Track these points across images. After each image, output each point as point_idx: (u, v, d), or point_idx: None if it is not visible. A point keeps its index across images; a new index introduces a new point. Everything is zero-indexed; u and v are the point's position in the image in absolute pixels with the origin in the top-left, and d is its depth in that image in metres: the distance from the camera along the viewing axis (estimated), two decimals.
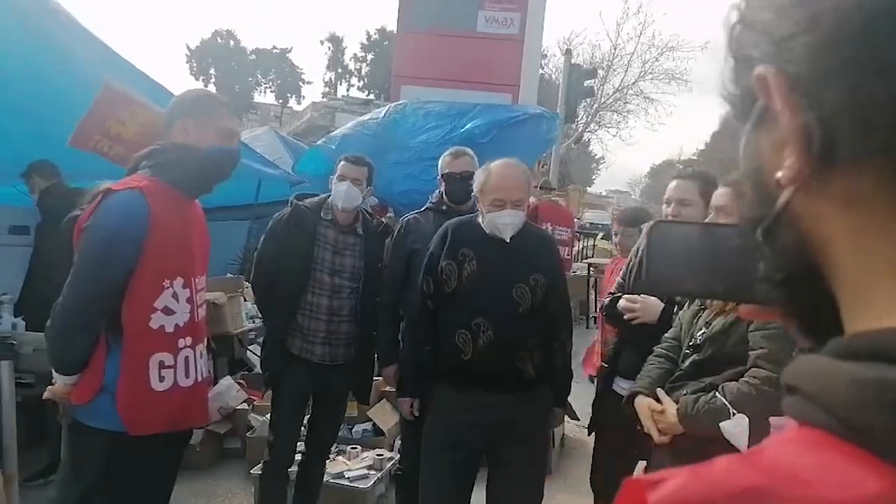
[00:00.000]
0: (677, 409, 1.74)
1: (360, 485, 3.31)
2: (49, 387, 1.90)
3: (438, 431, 2.35)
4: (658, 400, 1.85)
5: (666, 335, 2.09)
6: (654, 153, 76.82)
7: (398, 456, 3.58)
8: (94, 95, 3.97)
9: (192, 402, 1.97)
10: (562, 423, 2.43)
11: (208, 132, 1.94)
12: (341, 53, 34.87)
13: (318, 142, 7.95)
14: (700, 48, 22.33)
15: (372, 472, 3.43)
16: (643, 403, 1.85)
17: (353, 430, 3.84)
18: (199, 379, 2.00)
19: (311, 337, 2.79)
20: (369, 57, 33.20)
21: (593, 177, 42.64)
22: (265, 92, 36.77)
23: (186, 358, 1.93)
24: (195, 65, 33.62)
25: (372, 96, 29.57)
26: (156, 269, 1.84)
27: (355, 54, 34.56)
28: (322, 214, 2.85)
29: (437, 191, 2.99)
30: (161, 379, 1.86)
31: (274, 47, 36.58)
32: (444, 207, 2.87)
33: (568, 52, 10.92)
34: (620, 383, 2.52)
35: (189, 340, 1.94)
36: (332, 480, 3.27)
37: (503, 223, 2.24)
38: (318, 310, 2.79)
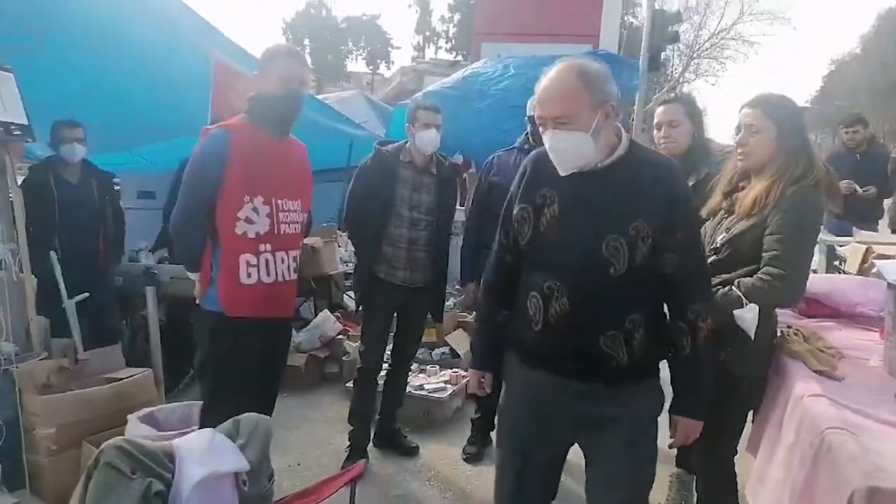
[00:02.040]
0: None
1: (439, 395, 3.78)
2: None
3: (507, 418, 1.91)
4: None
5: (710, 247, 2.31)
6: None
7: None
8: (210, 71, 4.48)
9: (273, 296, 2.42)
10: (687, 440, 1.75)
11: (270, 80, 2.36)
12: (428, 16, 35.06)
13: (402, 102, 8.33)
14: None
15: (449, 385, 3.89)
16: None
17: (433, 353, 4.31)
18: (281, 279, 2.43)
19: (395, 263, 3.22)
20: (456, 17, 33.16)
21: None
22: (356, 59, 37.69)
23: (267, 260, 2.37)
24: (290, 37, 34.85)
25: (460, 57, 29.62)
26: (237, 187, 2.29)
27: (442, 16, 34.64)
28: (401, 157, 3.25)
29: (524, 132, 3.29)
30: (248, 275, 2.33)
31: (364, 14, 37.32)
32: (528, 146, 3.19)
33: None
34: None
35: (269, 247, 2.38)
36: (414, 391, 3.76)
37: (548, 149, 1.70)
38: (400, 240, 3.21)
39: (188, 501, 1.66)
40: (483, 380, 1.99)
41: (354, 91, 10.49)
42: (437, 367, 4.11)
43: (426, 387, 3.83)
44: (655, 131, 2.83)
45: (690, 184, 2.59)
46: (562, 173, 1.68)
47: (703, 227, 2.32)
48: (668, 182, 1.66)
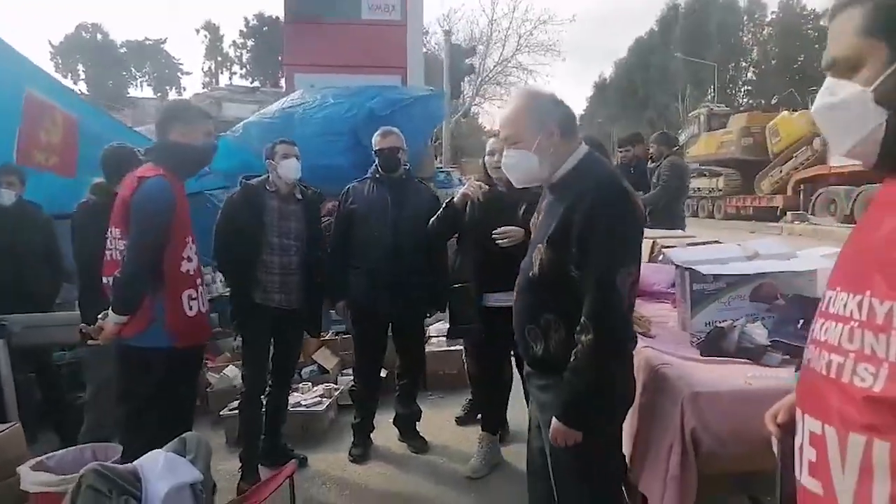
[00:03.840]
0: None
1: (316, 409, 4.04)
2: (90, 328, 2.54)
3: None
4: None
5: None
6: None
7: (342, 388, 4.38)
8: (19, 109, 4.33)
9: (205, 323, 2.74)
10: (555, 441, 1.87)
11: (198, 134, 2.65)
12: (219, 41, 34.00)
13: (223, 134, 8.29)
14: (569, 20, 23.84)
15: (324, 399, 4.16)
16: None
17: (302, 371, 4.54)
18: (206, 307, 2.76)
19: (269, 287, 3.45)
20: (249, 43, 32.64)
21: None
22: (141, 86, 35.27)
23: (201, 292, 2.69)
24: (61, 62, 31.60)
25: (257, 83, 29.16)
26: (180, 231, 2.58)
27: (234, 41, 33.87)
28: (267, 187, 3.50)
29: (373, 164, 3.72)
30: (190, 308, 2.60)
31: (146, 39, 35.02)
32: (378, 175, 3.65)
33: (447, 33, 11.73)
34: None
35: (199, 280, 2.69)
36: (292, 409, 3.97)
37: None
38: (272, 266, 3.46)
39: None
40: None
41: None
42: (309, 383, 4.35)
43: (303, 402, 4.06)
44: (488, 157, 3.42)
45: (525, 203, 3.23)
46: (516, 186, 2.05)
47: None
48: (587, 199, 1.76)
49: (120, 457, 2.60)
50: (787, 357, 2.13)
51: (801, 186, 19.53)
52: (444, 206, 3.44)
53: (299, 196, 3.56)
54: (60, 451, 2.88)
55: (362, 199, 3.64)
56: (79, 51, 32.63)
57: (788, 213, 19.37)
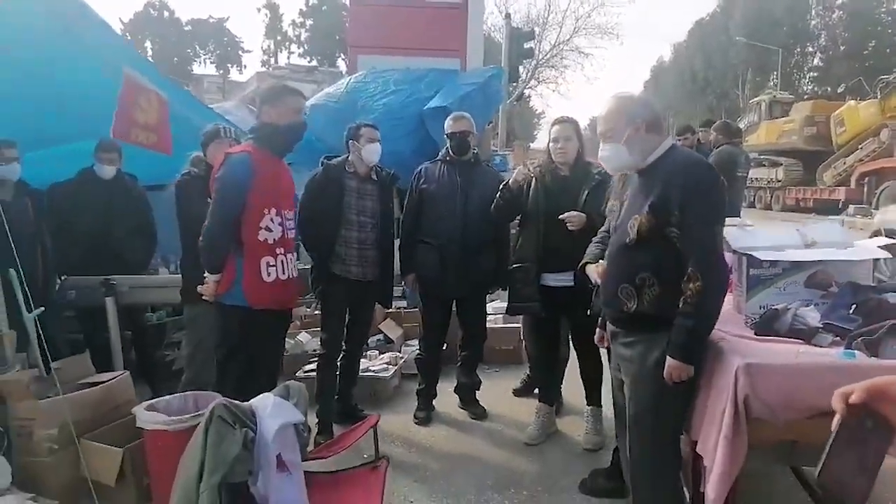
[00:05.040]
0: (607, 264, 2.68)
1: (384, 375, 4.36)
2: (201, 287, 2.88)
3: None
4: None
5: (600, 230, 3.12)
6: (592, 105, 78.93)
7: (406, 357, 4.68)
8: (117, 87, 4.69)
9: (287, 290, 2.98)
10: (670, 377, 2.20)
11: (284, 112, 2.90)
12: (279, 20, 34.73)
13: None
14: (628, 2, 23.47)
15: (390, 366, 4.47)
16: (591, 266, 2.89)
17: (370, 340, 4.86)
18: (292, 276, 3.00)
19: (348, 260, 3.75)
20: (308, 23, 33.24)
21: (535, 132, 43.81)
22: (205, 63, 36.39)
23: (282, 261, 2.93)
24: (130, 38, 32.87)
25: (315, 62, 29.70)
26: (258, 202, 2.83)
27: (293, 21, 34.56)
28: (346, 168, 3.79)
29: (444, 147, 3.98)
30: (268, 274, 2.86)
31: (210, 16, 36.10)
32: (448, 158, 3.91)
33: (508, 17, 11.84)
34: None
35: (282, 250, 2.93)
36: (361, 374, 4.29)
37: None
38: (350, 241, 3.75)
39: (271, 445, 2.15)
40: None
41: (233, 102, 10.56)
42: (377, 351, 4.67)
43: (371, 369, 4.38)
44: (552, 143, 3.61)
45: (587, 189, 3.42)
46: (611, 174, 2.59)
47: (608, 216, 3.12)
48: (681, 175, 2.15)
49: None
50: (837, 339, 2.29)
51: (866, 179, 18.87)
52: (500, 189, 3.65)
53: (375, 177, 3.83)
54: (167, 397, 3.23)
55: (434, 180, 3.89)
56: (147, 27, 33.94)
57: (851, 206, 18.80)
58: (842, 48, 40.13)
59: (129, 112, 4.93)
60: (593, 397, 3.70)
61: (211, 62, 36.47)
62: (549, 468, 3.35)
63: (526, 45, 11.53)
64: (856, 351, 2.11)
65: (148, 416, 2.95)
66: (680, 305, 2.13)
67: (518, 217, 3.73)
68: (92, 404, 3.25)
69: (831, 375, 1.96)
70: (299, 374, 4.38)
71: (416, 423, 3.95)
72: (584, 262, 2.97)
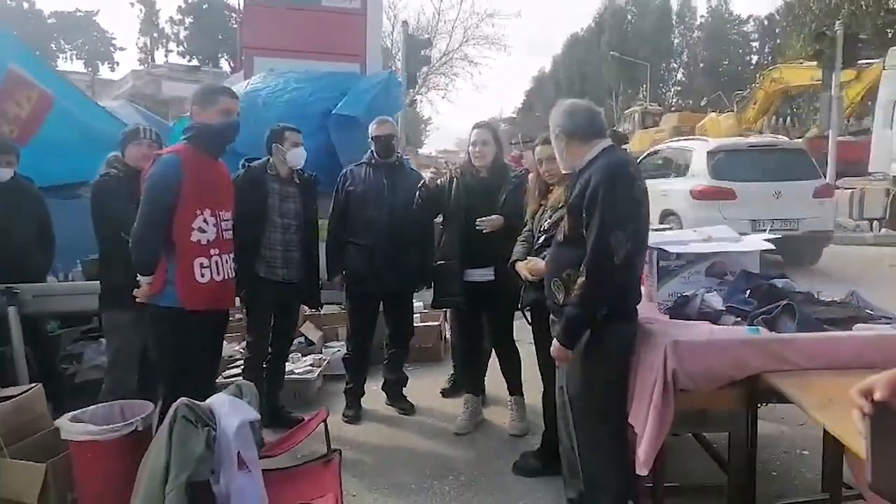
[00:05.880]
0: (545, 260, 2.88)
1: (308, 377, 4.36)
2: (136, 290, 2.79)
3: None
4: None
5: (524, 229, 3.34)
6: (478, 113, 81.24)
7: (328, 358, 4.70)
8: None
9: (222, 291, 2.94)
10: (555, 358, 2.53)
11: (214, 113, 2.88)
12: (155, 17, 32.86)
13: (185, 115, 8.32)
14: (515, 15, 24.53)
15: (314, 368, 4.48)
16: (520, 264, 3.11)
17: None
18: (227, 277, 2.95)
19: (272, 262, 3.74)
20: (188, 21, 31.68)
21: (423, 138, 44.25)
22: (72, 59, 33.61)
23: (216, 262, 2.87)
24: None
25: (195, 62, 28.41)
26: (190, 203, 2.78)
27: (171, 18, 32.81)
28: (268, 171, 3.79)
29: (369, 149, 4.05)
30: (202, 275, 2.82)
31: (77, 10, 33.35)
32: (374, 161, 3.99)
33: (405, 24, 12.03)
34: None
35: (217, 251, 2.88)
36: (285, 377, 4.27)
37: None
38: (275, 243, 3.75)
39: (232, 442, 2.16)
40: None
41: (120, 102, 9.98)
42: (299, 354, 4.66)
43: (295, 371, 4.37)
44: (471, 147, 3.81)
45: (506, 191, 3.65)
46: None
47: (529, 219, 3.36)
48: (592, 179, 2.33)
49: (151, 412, 2.86)
50: (739, 319, 2.63)
51: None
52: (418, 189, 3.79)
53: (297, 180, 3.85)
54: (91, 408, 3.08)
55: (360, 182, 3.96)
56: (2, 19, 30.87)
57: None
58: (700, 65, 43.98)
59: (2, 103, 4.69)
60: (514, 387, 3.90)
61: (79, 58, 33.84)
62: (482, 454, 3.53)
63: (423, 53, 11.78)
64: (759, 327, 2.44)
65: (76, 428, 2.82)
66: (571, 296, 2.37)
67: (441, 216, 3.90)
68: (4, 420, 3.03)
69: (741, 348, 2.29)
70: (219, 380, 4.28)
71: (345, 422, 3.99)
72: (513, 259, 3.19)
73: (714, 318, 2.68)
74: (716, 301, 2.79)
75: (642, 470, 2.34)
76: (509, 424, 3.83)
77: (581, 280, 2.31)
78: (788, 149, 9.17)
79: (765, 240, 3.27)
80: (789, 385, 2.15)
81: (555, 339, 2.45)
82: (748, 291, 2.82)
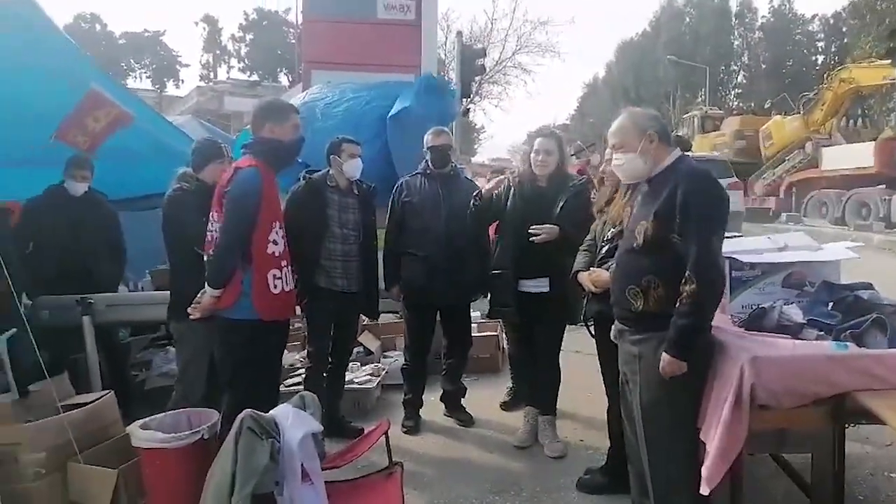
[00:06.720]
0: (610, 272, 2.81)
1: (367, 386, 4.37)
2: (195, 305, 2.85)
3: None
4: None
5: (586, 239, 3.26)
6: (532, 121, 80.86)
7: (387, 368, 4.70)
8: (79, 99, 4.61)
9: (290, 301, 3.03)
10: (664, 372, 2.31)
11: (287, 129, 2.94)
12: (218, 34, 34.09)
13: (246, 128, 8.56)
14: (568, 22, 24.21)
15: (373, 378, 4.48)
16: (583, 274, 3.02)
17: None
18: (292, 288, 3.05)
19: (332, 272, 3.76)
20: (248, 37, 32.76)
21: (475, 146, 44.16)
22: (140, 77, 35.22)
23: (285, 273, 2.96)
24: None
25: (256, 77, 29.29)
26: (267, 216, 2.85)
27: (233, 35, 33.99)
28: (328, 182, 3.82)
29: (424, 160, 4.03)
30: (275, 286, 2.88)
31: (145, 30, 34.95)
32: (429, 171, 3.97)
33: (459, 34, 12.05)
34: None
35: (285, 262, 2.97)
36: (345, 386, 4.28)
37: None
38: (335, 253, 3.77)
39: (296, 453, 2.16)
40: None
41: (187, 116, 10.35)
42: (358, 363, 4.67)
43: (355, 380, 4.38)
44: (534, 155, 3.73)
45: (563, 199, 3.56)
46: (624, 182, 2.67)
47: (593, 226, 3.27)
48: (684, 184, 2.26)
49: (217, 421, 2.91)
50: (822, 333, 2.48)
51: (794, 189, 20.06)
52: (473, 200, 3.74)
53: (356, 191, 3.87)
54: (159, 415, 3.16)
55: (416, 193, 3.95)
56: (77, 41, 32.47)
57: (783, 213, 19.88)
58: (762, 66, 42.50)
59: (82, 118, 4.89)
60: (547, 406, 3.78)
61: (147, 76, 35.40)
62: (544, 468, 3.45)
63: (478, 62, 11.75)
64: (847, 342, 2.29)
65: (145, 435, 2.89)
66: (677, 305, 2.23)
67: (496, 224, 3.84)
68: (79, 426, 3.14)
69: (827, 365, 2.15)
70: (281, 388, 4.34)
71: (404, 433, 3.97)
72: (575, 269, 3.10)
73: (794, 331, 2.53)
74: (796, 314, 2.63)
75: (705, 489, 2.22)
76: (546, 447, 3.69)
77: (692, 287, 2.18)
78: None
79: (849, 248, 3.08)
80: (880, 405, 2.01)
81: (664, 353, 2.26)
82: (831, 304, 2.65)
